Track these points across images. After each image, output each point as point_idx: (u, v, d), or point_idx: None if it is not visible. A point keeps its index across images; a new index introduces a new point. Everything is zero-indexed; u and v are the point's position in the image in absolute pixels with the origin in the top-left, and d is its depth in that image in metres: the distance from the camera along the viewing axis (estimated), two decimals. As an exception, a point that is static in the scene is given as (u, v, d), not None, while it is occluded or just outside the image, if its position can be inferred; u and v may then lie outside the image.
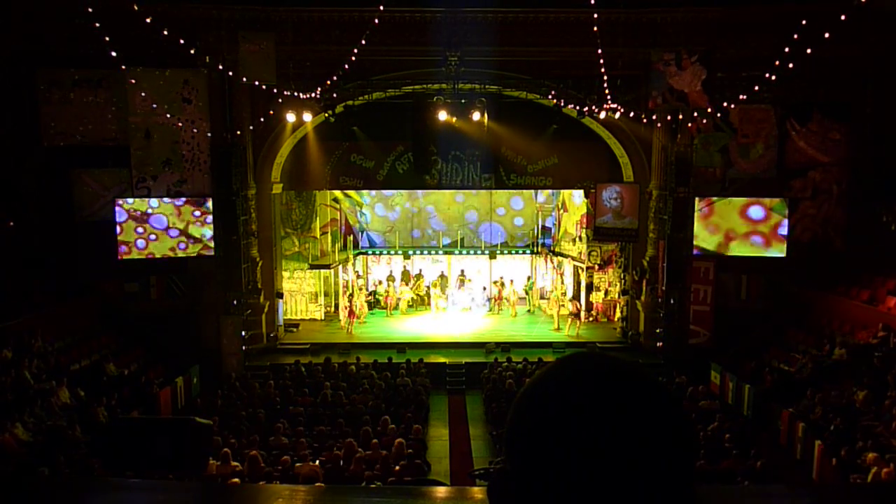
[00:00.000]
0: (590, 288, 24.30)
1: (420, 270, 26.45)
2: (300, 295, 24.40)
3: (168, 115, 19.38)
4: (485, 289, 25.85)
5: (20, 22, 18.44)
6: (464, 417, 17.54)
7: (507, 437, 0.97)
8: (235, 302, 19.97)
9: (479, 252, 26.75)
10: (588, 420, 0.89)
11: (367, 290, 25.90)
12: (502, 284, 25.39)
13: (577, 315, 22.76)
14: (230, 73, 18.43)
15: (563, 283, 25.61)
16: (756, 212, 19.95)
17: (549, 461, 0.90)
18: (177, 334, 19.54)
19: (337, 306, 24.66)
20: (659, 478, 0.88)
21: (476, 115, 19.41)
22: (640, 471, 0.87)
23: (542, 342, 21.66)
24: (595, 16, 16.25)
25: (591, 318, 24.08)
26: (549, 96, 19.81)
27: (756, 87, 17.70)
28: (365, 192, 25.77)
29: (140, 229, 19.68)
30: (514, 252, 27.11)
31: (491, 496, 0.98)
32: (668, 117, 19.45)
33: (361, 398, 15.77)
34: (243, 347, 19.77)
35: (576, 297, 24.24)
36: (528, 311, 25.38)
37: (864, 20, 16.53)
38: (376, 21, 16.86)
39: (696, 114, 19.31)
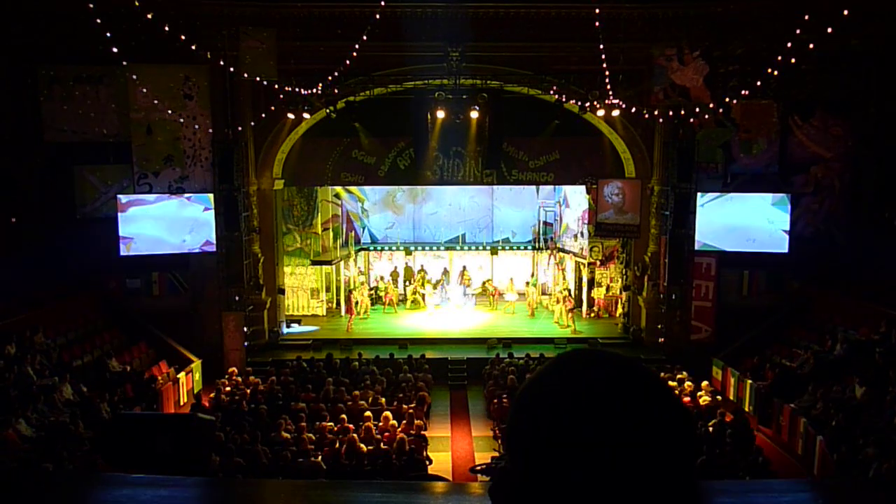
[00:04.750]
0: (591, 284, 24.28)
1: (422, 266, 26.46)
2: (302, 291, 24.43)
3: (169, 111, 19.40)
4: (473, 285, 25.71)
5: (21, 19, 18.43)
6: (466, 413, 17.54)
7: (508, 435, 0.97)
8: (237, 298, 19.99)
9: (480, 248, 26.76)
10: (589, 416, 0.89)
11: (368, 285, 25.92)
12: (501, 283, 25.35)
13: (572, 309, 22.72)
14: (231, 69, 18.42)
15: (564, 278, 25.61)
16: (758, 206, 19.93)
17: (550, 458, 0.90)
18: (179, 330, 19.61)
19: (339, 303, 24.72)
20: (661, 473, 0.88)
21: (477, 111, 19.38)
22: (643, 466, 0.87)
23: (543, 338, 21.64)
24: (597, 11, 16.23)
25: (592, 314, 24.09)
26: (551, 92, 19.75)
27: (758, 83, 17.65)
28: (367, 187, 25.75)
29: (142, 225, 19.68)
30: (515, 248, 27.11)
31: (494, 495, 0.97)
32: (670, 112, 19.43)
33: (363, 394, 15.79)
34: (245, 343, 19.80)
35: (566, 290, 24.07)
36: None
37: (866, 15, 16.49)
38: (377, 16, 16.85)
39: (697, 109, 19.28)
